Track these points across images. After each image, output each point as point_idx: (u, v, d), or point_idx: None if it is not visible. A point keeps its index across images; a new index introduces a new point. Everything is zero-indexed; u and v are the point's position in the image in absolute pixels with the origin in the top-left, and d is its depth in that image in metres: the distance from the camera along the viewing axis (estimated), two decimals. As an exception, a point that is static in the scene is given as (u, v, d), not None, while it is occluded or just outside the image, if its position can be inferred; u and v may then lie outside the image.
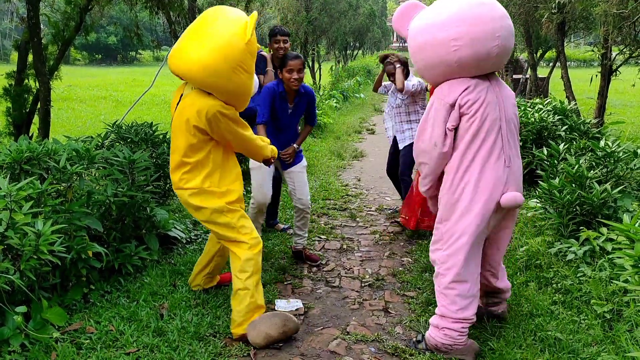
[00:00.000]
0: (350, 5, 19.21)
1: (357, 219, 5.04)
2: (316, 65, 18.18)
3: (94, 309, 3.00)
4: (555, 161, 4.47)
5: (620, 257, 2.83)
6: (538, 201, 4.30)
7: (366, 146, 9.12)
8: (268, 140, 3.12)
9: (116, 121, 4.71)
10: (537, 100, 6.92)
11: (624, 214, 3.11)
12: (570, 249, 3.57)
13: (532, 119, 5.69)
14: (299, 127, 3.94)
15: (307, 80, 16.54)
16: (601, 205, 3.66)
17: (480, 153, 2.54)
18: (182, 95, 2.76)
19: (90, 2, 5.94)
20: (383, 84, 4.99)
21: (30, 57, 5.59)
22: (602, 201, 3.64)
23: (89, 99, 16.23)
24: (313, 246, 4.28)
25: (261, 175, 3.61)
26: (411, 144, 4.56)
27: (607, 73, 7.89)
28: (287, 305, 3.24)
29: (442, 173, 2.70)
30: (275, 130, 3.66)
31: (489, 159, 2.54)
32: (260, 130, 3.51)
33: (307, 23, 15.02)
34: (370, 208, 5.44)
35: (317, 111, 9.99)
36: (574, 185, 3.83)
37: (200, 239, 4.26)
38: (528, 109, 6.20)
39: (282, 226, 4.62)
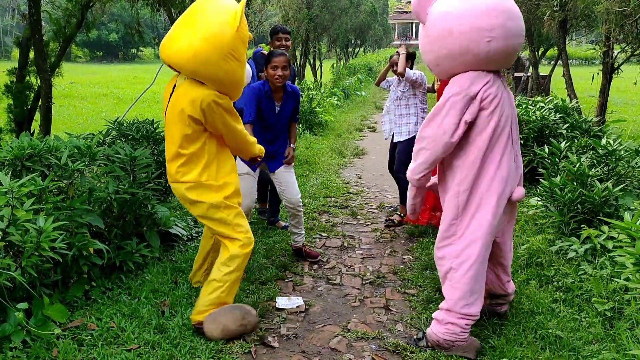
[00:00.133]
0: (352, 2, 19.19)
1: (358, 217, 5.04)
2: (317, 63, 18.18)
3: (95, 305, 3.01)
4: (557, 159, 4.47)
5: (621, 255, 2.84)
6: (539, 199, 4.30)
7: (367, 144, 9.11)
8: (255, 140, 3.12)
9: (117, 118, 4.70)
10: (539, 98, 6.92)
11: (625, 212, 3.12)
12: (571, 247, 3.57)
13: (534, 117, 5.68)
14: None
15: (308, 77, 16.57)
16: (602, 204, 3.66)
17: (498, 149, 2.55)
18: (175, 86, 2.75)
19: (92, -1, 5.95)
20: (387, 79, 4.98)
21: (31, 54, 5.61)
22: (603, 199, 3.64)
23: (90, 96, 16.26)
24: (314, 244, 4.28)
25: (249, 184, 3.59)
26: (407, 140, 4.56)
27: (609, 71, 7.88)
28: (288, 302, 3.25)
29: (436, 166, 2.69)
30: (262, 130, 3.65)
31: (503, 154, 2.56)
32: (247, 130, 3.49)
33: (308, 20, 15.00)
34: (371, 206, 5.44)
35: (318, 109, 10.11)
36: (575, 183, 3.83)
37: (201, 236, 4.25)
38: (529, 107, 6.19)
39: (283, 224, 4.62)
